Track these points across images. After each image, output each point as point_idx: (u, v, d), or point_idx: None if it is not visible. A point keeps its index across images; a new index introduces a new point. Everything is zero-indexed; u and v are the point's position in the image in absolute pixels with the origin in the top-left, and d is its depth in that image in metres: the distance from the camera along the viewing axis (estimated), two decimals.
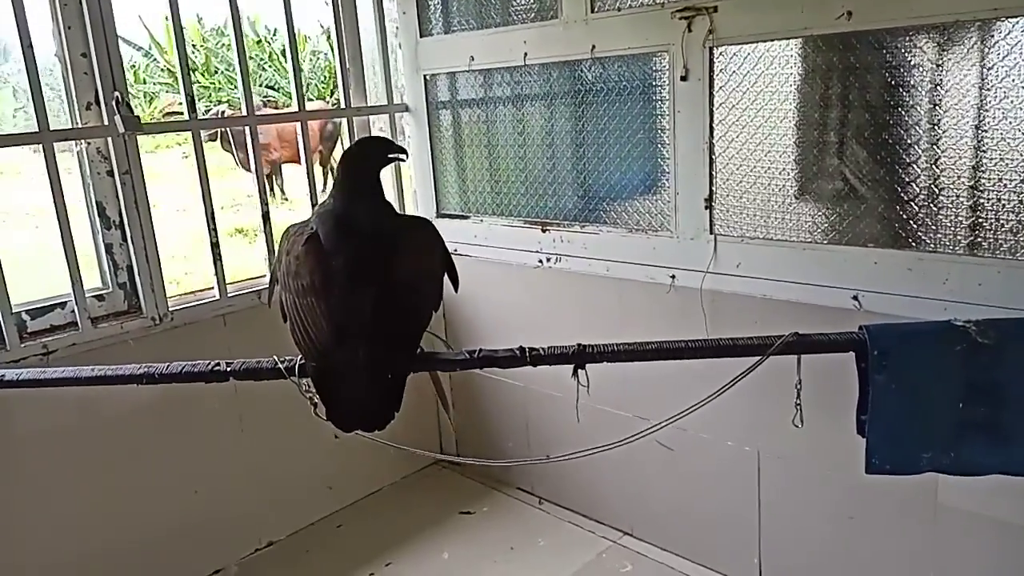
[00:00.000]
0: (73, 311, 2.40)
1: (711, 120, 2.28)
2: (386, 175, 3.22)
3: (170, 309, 2.59)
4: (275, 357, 1.76)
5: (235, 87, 12.29)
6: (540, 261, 2.84)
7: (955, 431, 1.69)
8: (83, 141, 2.40)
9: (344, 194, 1.74)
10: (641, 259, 2.55)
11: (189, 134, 2.58)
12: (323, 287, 1.66)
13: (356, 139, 1.82)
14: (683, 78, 2.30)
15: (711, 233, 2.36)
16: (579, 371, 1.86)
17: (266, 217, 2.77)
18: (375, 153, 1.81)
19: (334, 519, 3.10)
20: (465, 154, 3.05)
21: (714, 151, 2.30)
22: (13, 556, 2.36)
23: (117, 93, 2.38)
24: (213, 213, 2.64)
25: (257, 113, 2.75)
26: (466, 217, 3.09)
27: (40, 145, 2.25)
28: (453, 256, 3.17)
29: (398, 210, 3.22)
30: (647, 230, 2.53)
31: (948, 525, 2.08)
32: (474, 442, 3.37)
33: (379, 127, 3.19)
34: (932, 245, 1.96)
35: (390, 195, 3.21)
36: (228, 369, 1.78)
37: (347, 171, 1.76)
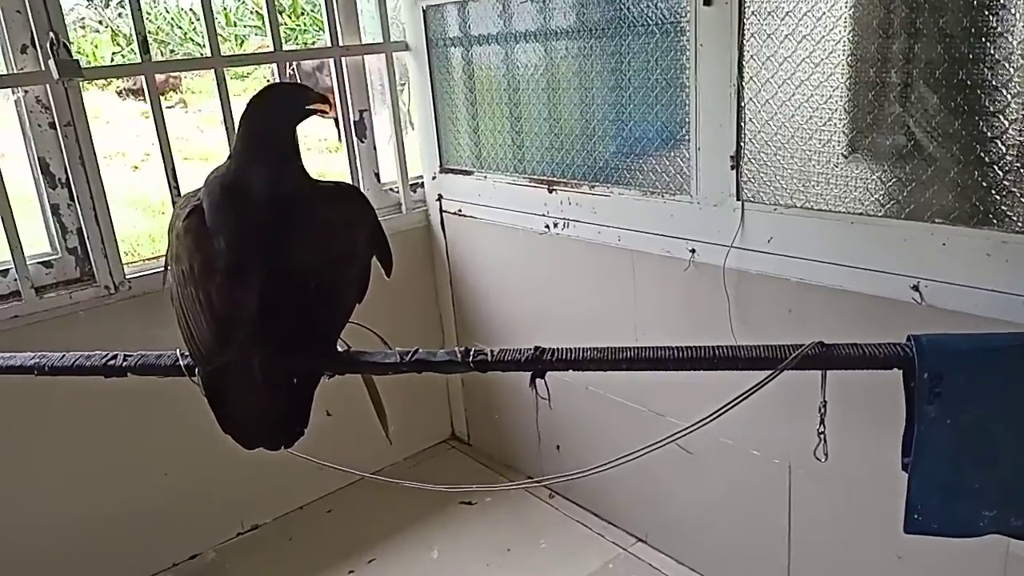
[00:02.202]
0: (16, 279, 2.17)
1: (740, 56, 1.80)
2: (384, 124, 2.85)
3: (127, 277, 2.33)
4: (177, 351, 1.46)
5: (321, 28, 11.81)
6: (547, 226, 2.43)
7: None
8: (20, 89, 2.13)
9: (241, 156, 1.39)
10: (657, 228, 2.11)
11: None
12: (203, 274, 1.33)
13: (264, 87, 1.45)
14: (707, 2, 1.82)
15: (738, 199, 1.90)
16: (537, 381, 1.48)
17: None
18: (287, 104, 1.45)
19: (325, 502, 2.86)
20: (468, 99, 2.64)
21: (743, 95, 1.83)
22: None
23: (52, 34, 2.09)
24: (174, 168, 2.35)
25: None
26: (470, 173, 2.70)
27: None
28: (457, 217, 2.83)
29: (385, 168, 2.86)
30: (664, 193, 2.08)
31: None
32: (482, 421, 3.05)
33: (377, 67, 2.82)
34: (1021, 224, 1.46)
35: (388, 147, 2.85)
36: (124, 364, 1.51)
37: (249, 127, 1.40)
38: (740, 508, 2.18)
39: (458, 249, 2.85)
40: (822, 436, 1.40)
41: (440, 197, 2.83)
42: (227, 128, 2.41)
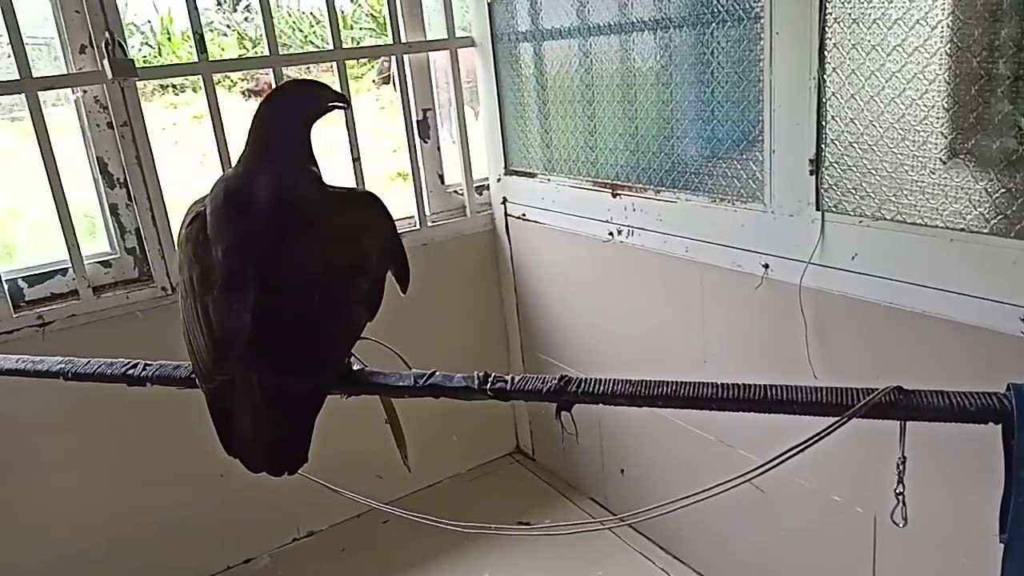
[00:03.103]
0: (74, 279, 2.19)
1: (822, 44, 1.57)
2: (449, 123, 2.73)
3: None
4: None
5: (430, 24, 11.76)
6: (611, 233, 2.25)
7: None
8: (79, 89, 2.14)
9: (250, 160, 1.30)
10: (726, 239, 1.89)
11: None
12: (201, 286, 1.25)
13: (279, 85, 1.36)
14: None
15: (817, 209, 1.66)
16: (563, 413, 1.33)
17: None
18: (299, 103, 1.35)
19: (381, 513, 2.77)
20: (534, 97, 2.49)
21: (825, 90, 1.59)
22: (25, 544, 2.25)
23: (108, 33, 2.08)
24: (231, 163, 2.31)
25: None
26: (533, 175, 2.55)
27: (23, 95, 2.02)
28: (521, 222, 2.68)
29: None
30: (734, 199, 1.86)
31: None
32: (547, 436, 2.89)
33: (441, 66, 2.71)
34: None
35: (452, 147, 2.73)
36: (142, 374, 1.47)
37: (260, 127, 1.31)
38: (817, 558, 1.93)
39: (522, 255, 2.71)
40: (900, 498, 1.17)
41: (505, 200, 2.69)
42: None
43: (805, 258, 1.70)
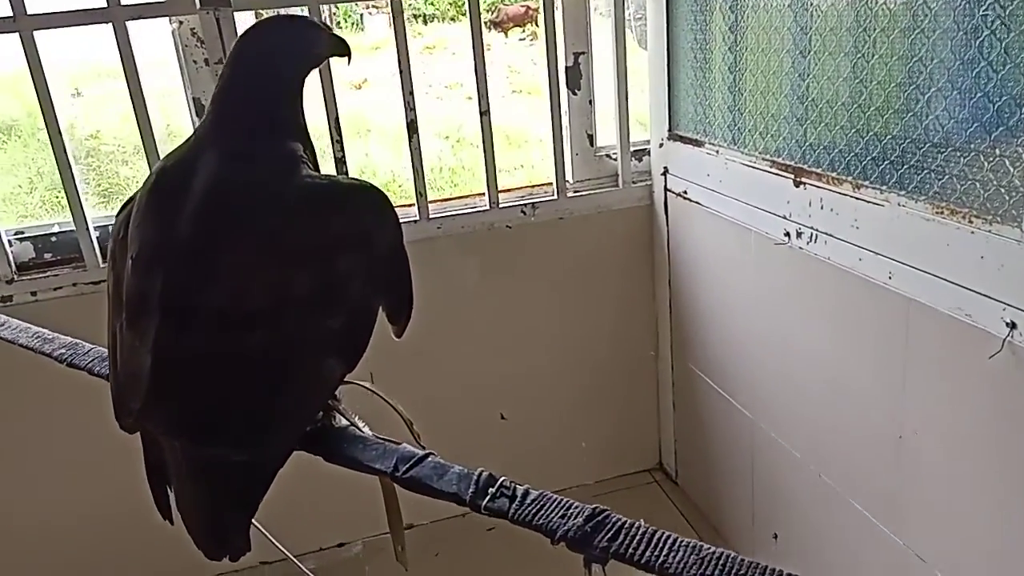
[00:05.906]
0: None
1: None
2: (606, 70, 2.20)
3: None
4: None
5: None
6: (787, 233, 1.65)
7: None
8: (175, 20, 1.91)
9: (206, 127, 0.94)
10: (953, 272, 1.25)
11: None
12: (113, 304, 0.94)
13: (258, 21, 0.97)
14: None
15: None
16: (592, 566, 0.90)
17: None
18: (287, 47, 0.97)
19: (488, 519, 2.44)
20: (713, 43, 1.89)
21: None
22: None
23: None
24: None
25: None
26: (700, 144, 1.96)
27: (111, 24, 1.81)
28: (681, 200, 2.11)
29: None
30: (972, 215, 1.20)
31: None
32: (693, 459, 2.37)
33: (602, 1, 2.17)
34: None
35: (607, 98, 2.21)
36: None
37: (224, 82, 0.95)
38: None
39: (680, 241, 2.15)
40: None
41: (666, 171, 2.14)
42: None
43: None
